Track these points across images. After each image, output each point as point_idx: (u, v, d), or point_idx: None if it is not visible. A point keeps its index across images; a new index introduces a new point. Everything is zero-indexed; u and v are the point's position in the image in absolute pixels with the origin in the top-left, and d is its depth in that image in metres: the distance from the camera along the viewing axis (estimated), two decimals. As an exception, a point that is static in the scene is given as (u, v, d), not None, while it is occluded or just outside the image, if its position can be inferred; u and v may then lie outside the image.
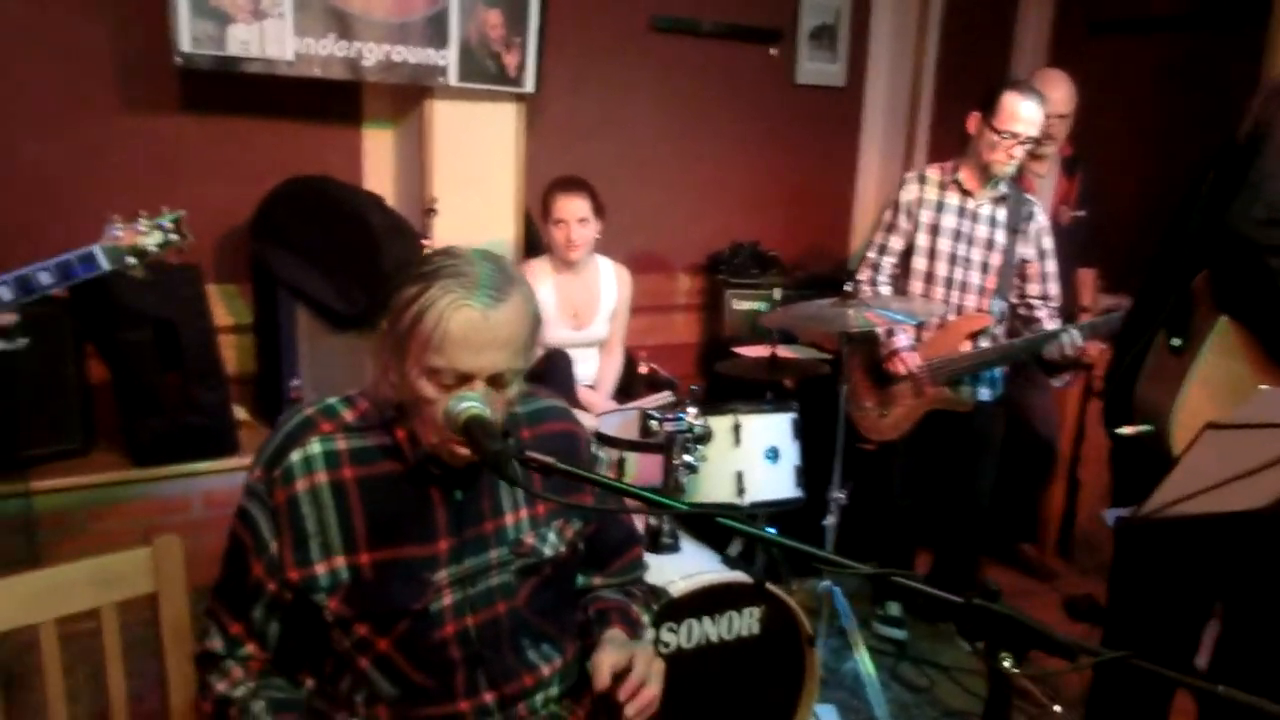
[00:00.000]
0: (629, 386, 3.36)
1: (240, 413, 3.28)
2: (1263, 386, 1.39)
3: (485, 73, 3.47)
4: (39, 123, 3.06)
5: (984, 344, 2.87)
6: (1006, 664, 1.07)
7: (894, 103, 4.58)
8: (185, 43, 2.98)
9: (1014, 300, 2.92)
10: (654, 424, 2.28)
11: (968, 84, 4.18)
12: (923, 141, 4.51)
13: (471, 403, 1.29)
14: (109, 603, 1.42)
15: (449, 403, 1.30)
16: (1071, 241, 3.21)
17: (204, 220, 3.26)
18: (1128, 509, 1.51)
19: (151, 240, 2.00)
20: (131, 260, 2.00)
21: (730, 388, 3.05)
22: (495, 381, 1.33)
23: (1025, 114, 2.69)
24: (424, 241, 3.29)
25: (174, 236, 2.05)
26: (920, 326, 2.93)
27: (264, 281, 3.26)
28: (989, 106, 2.74)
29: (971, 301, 2.88)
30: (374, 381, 1.42)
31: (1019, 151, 2.72)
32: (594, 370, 3.24)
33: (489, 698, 1.44)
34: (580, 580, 1.63)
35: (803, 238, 4.49)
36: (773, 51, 4.31)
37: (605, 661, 1.43)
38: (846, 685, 2.75)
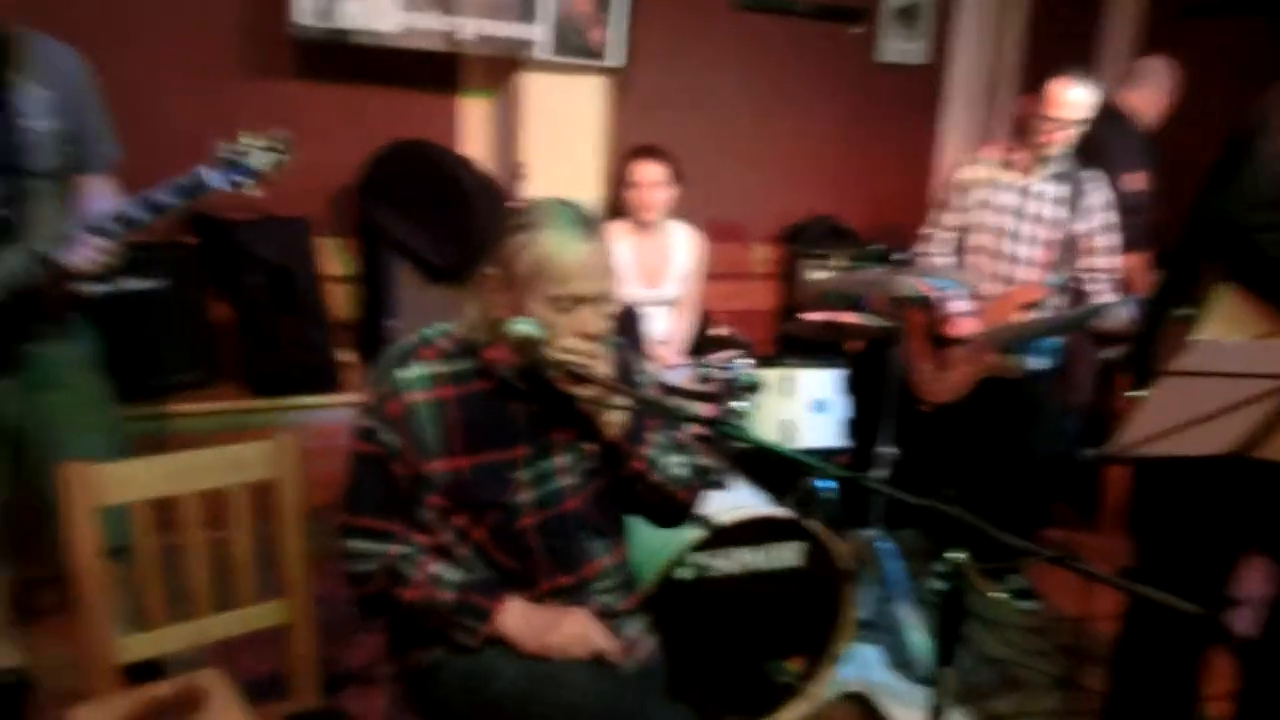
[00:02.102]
0: (704, 346, 3.56)
1: (344, 355, 3.60)
2: (1201, 337, 1.54)
3: (573, 47, 3.69)
4: (170, 87, 3.37)
5: (1039, 315, 2.99)
6: (958, 556, 1.27)
7: (976, 81, 4.65)
8: (301, 15, 3.28)
9: (1070, 273, 3.03)
10: (706, 373, 2.48)
11: (1053, 64, 4.24)
12: (1003, 120, 4.58)
13: (526, 325, 1.54)
14: (238, 483, 1.71)
15: (508, 323, 1.55)
16: (1126, 210, 3.27)
17: (316, 179, 3.60)
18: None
19: (259, 160, 1.99)
20: (241, 180, 1.98)
21: (798, 348, 3.24)
22: (601, 300, 1.61)
23: (1072, 98, 2.82)
24: (509, 203, 3.54)
25: (283, 155, 2.03)
26: (977, 298, 3.07)
27: (369, 236, 3.56)
28: (1039, 92, 2.88)
29: (1027, 275, 3.00)
30: (469, 318, 1.67)
31: (1065, 134, 2.85)
32: (664, 328, 3.46)
33: (562, 580, 1.70)
34: None
35: (879, 212, 4.61)
36: (855, 30, 4.42)
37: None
38: (894, 631, 2.92)
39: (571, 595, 1.73)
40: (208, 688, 1.45)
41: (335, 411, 3.33)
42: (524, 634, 1.63)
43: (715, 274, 4.29)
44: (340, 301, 3.71)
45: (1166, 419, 1.47)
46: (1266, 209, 1.73)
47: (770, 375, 2.59)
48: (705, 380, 2.55)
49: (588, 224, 1.63)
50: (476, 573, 1.67)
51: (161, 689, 1.47)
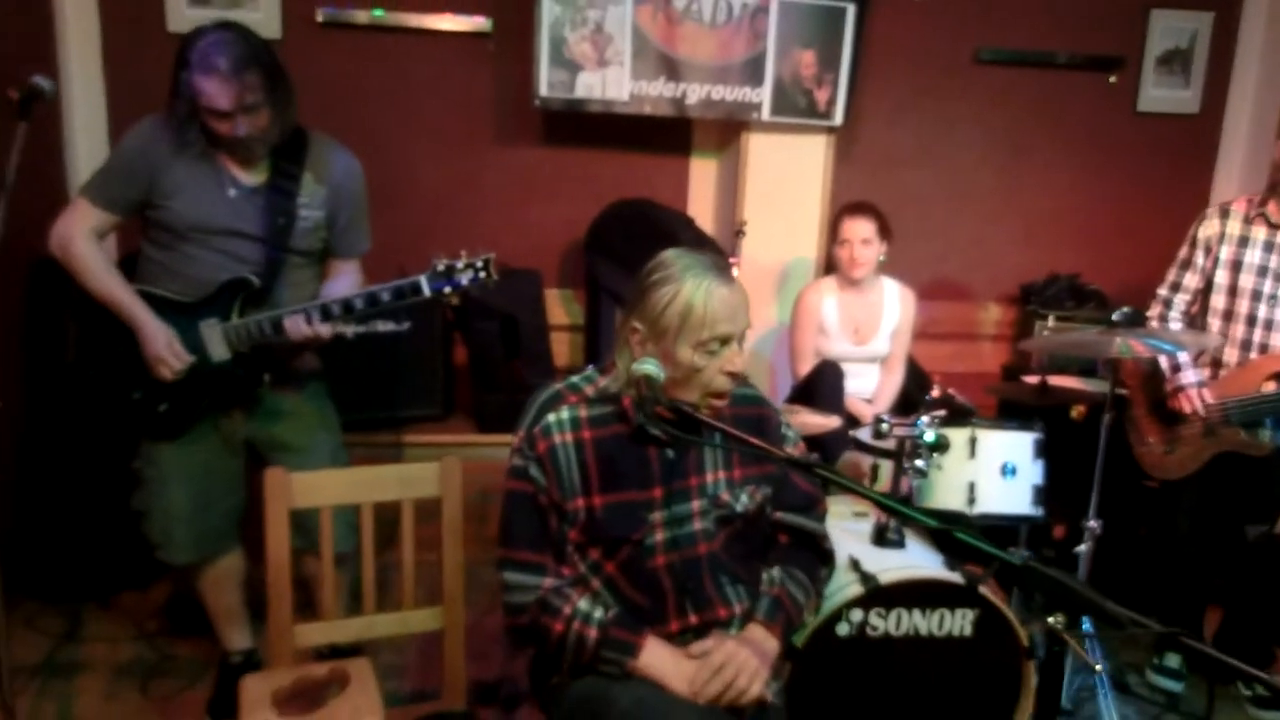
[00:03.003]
0: (920, 408, 3.46)
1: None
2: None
3: (796, 107, 3.78)
4: (436, 153, 3.84)
5: (1290, 385, 2.66)
6: (1055, 621, 1.19)
7: (1259, 130, 4.21)
8: (544, 88, 3.62)
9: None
10: (884, 428, 2.43)
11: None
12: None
13: (649, 365, 1.63)
14: (408, 498, 1.92)
15: (634, 364, 1.65)
16: None
17: (549, 233, 3.94)
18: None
19: (465, 276, 2.27)
20: (447, 290, 2.28)
21: (1018, 413, 3.07)
22: (741, 339, 1.74)
23: None
24: (730, 260, 3.64)
25: (483, 275, 2.28)
26: (1218, 364, 2.78)
27: (593, 287, 3.81)
28: None
29: (1278, 341, 2.68)
30: (611, 364, 1.79)
31: None
32: (873, 385, 3.40)
33: (694, 620, 1.76)
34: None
35: (1134, 272, 4.25)
36: (1112, 79, 4.17)
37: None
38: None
39: (699, 635, 1.77)
40: (355, 673, 1.64)
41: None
42: (671, 674, 1.68)
43: (942, 334, 4.18)
44: (566, 349, 3.98)
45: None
46: None
47: (956, 435, 2.49)
48: (881, 437, 2.50)
49: (722, 269, 1.72)
50: (610, 608, 1.75)
51: (319, 669, 1.68)
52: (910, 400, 3.38)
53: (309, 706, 1.57)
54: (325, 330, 2.30)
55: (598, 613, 1.72)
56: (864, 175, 4.05)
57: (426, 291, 2.27)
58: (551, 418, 1.76)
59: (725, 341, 1.71)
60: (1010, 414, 3.28)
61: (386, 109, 3.74)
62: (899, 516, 1.62)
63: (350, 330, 3.37)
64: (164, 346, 2.27)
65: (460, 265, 2.27)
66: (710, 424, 1.69)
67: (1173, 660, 2.92)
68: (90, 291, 2.31)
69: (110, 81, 3.56)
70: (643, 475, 1.76)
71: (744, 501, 1.82)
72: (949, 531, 1.25)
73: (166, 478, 2.44)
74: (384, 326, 3.48)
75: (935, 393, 3.56)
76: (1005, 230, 4.25)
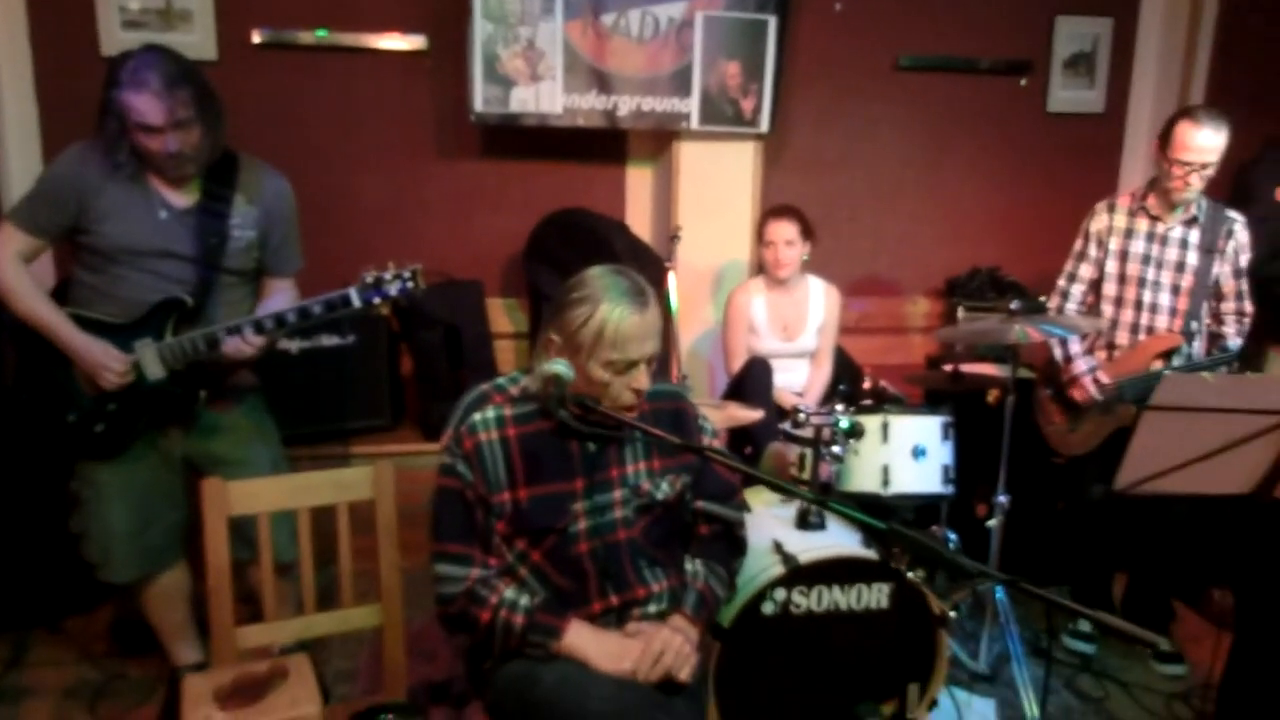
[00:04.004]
0: (853, 399, 3.62)
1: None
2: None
3: (723, 116, 3.93)
4: (377, 168, 3.92)
5: (1176, 363, 2.84)
6: (913, 574, 1.34)
7: (1158, 127, 4.42)
8: (479, 104, 3.73)
9: (1208, 319, 2.87)
10: (802, 418, 2.58)
11: (1245, 107, 3.99)
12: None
13: (558, 365, 1.76)
14: (343, 501, 2.03)
15: (544, 364, 1.78)
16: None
17: (491, 244, 4.05)
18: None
19: (393, 287, 2.37)
20: (376, 300, 2.38)
21: (942, 400, 3.24)
22: (650, 361, 1.84)
23: (1197, 142, 2.70)
24: (666, 264, 3.78)
25: (410, 284, 2.39)
26: (1112, 347, 2.97)
27: (535, 295, 3.93)
28: (1165, 136, 2.77)
29: (1163, 323, 2.88)
30: (536, 374, 1.90)
31: (1195, 179, 2.73)
32: (803, 379, 3.56)
33: (615, 600, 1.89)
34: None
35: (1050, 262, 4.45)
36: (1023, 82, 4.37)
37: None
38: (1010, 684, 2.83)
39: (620, 615, 1.90)
40: (294, 667, 1.75)
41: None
42: (594, 652, 1.82)
43: (873, 328, 4.36)
44: (512, 357, 4.10)
45: (1163, 457, 1.45)
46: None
47: (870, 422, 2.65)
48: (800, 425, 2.65)
49: (640, 294, 1.83)
50: (536, 593, 1.88)
51: (259, 666, 1.78)
52: (849, 395, 3.53)
53: (250, 700, 1.67)
54: (259, 342, 2.38)
55: (523, 600, 1.84)
56: (794, 179, 4.21)
57: (356, 303, 2.36)
58: (477, 417, 1.88)
59: (634, 365, 1.82)
60: (933, 401, 3.45)
61: (327, 127, 3.83)
62: (768, 485, 1.77)
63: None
64: (101, 354, 2.33)
65: (389, 276, 2.36)
66: (626, 421, 1.82)
67: (1085, 625, 3.10)
68: (19, 315, 2.36)
69: (43, 104, 3.59)
70: (565, 468, 1.89)
71: (664, 490, 1.95)
72: (825, 503, 1.39)
73: (104, 497, 2.48)
74: (328, 341, 3.60)
75: (867, 384, 3.74)
76: (929, 228, 4.44)
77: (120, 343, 2.37)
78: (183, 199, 2.40)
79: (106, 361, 2.33)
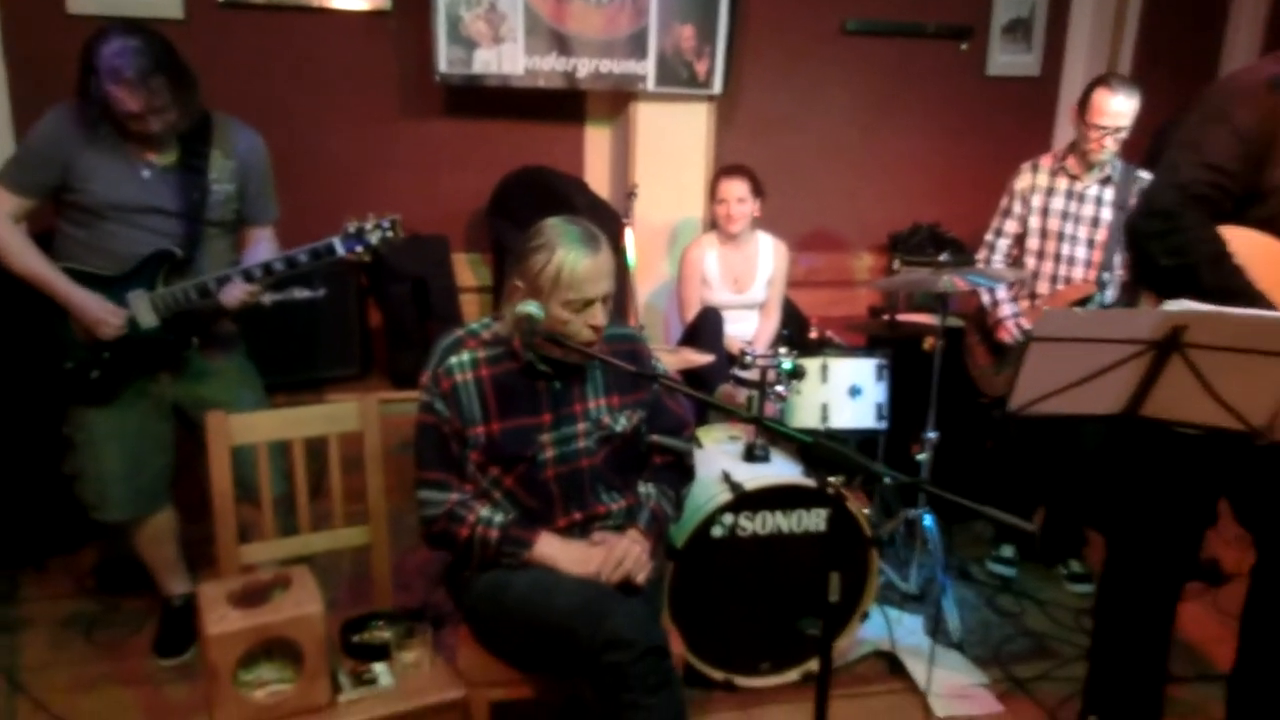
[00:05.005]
0: (793, 344, 3.87)
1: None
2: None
3: (678, 78, 4.12)
4: (344, 128, 4.05)
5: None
6: (834, 481, 1.58)
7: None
8: (443, 65, 3.88)
9: (1121, 270, 3.15)
10: (748, 360, 2.82)
11: (1168, 72, 4.27)
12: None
13: (529, 306, 1.97)
14: (333, 432, 2.23)
15: (517, 306, 1.99)
16: None
17: (456, 201, 4.21)
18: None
19: (374, 236, 2.53)
20: (359, 249, 2.53)
21: (882, 346, 3.51)
22: (605, 300, 2.06)
23: (1112, 108, 2.97)
24: (624, 220, 3.98)
25: (390, 233, 2.54)
26: (1034, 296, 3.24)
27: (498, 250, 4.11)
28: (1083, 102, 3.04)
29: (1079, 274, 3.16)
30: (500, 314, 2.13)
31: (1110, 141, 3.00)
32: (753, 328, 3.80)
33: (578, 517, 2.14)
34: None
35: (987, 219, 4.71)
36: (963, 47, 4.61)
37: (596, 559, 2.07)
38: (936, 603, 3.12)
39: (582, 529, 2.15)
40: (296, 576, 1.95)
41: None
42: (561, 558, 2.05)
43: (821, 281, 4.60)
44: (477, 310, 4.28)
45: (1049, 381, 1.70)
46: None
47: (810, 364, 2.89)
48: (747, 368, 2.88)
49: (593, 239, 2.06)
50: (508, 512, 2.10)
51: (265, 575, 1.99)
52: (791, 341, 3.78)
53: (259, 602, 1.89)
54: (253, 288, 2.54)
55: (498, 517, 2.07)
56: (745, 139, 4.42)
57: (340, 251, 2.53)
58: (453, 360, 2.09)
59: (590, 303, 2.04)
60: (875, 347, 3.72)
61: (295, 87, 3.94)
62: (712, 408, 2.02)
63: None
64: (98, 308, 2.48)
65: (369, 226, 2.53)
66: (590, 354, 2.04)
67: (1007, 550, 3.41)
68: (14, 272, 2.49)
69: (10, 62, 3.62)
70: (534, 404, 2.11)
71: (622, 423, 2.19)
72: (759, 420, 1.63)
73: (99, 440, 2.63)
74: (300, 294, 3.76)
75: (813, 334, 4.00)
76: (874, 185, 4.68)
77: (114, 294, 2.52)
78: (163, 158, 2.54)
79: (104, 315, 2.48)
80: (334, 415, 2.24)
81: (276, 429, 2.19)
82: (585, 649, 1.86)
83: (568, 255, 2.00)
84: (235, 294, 2.53)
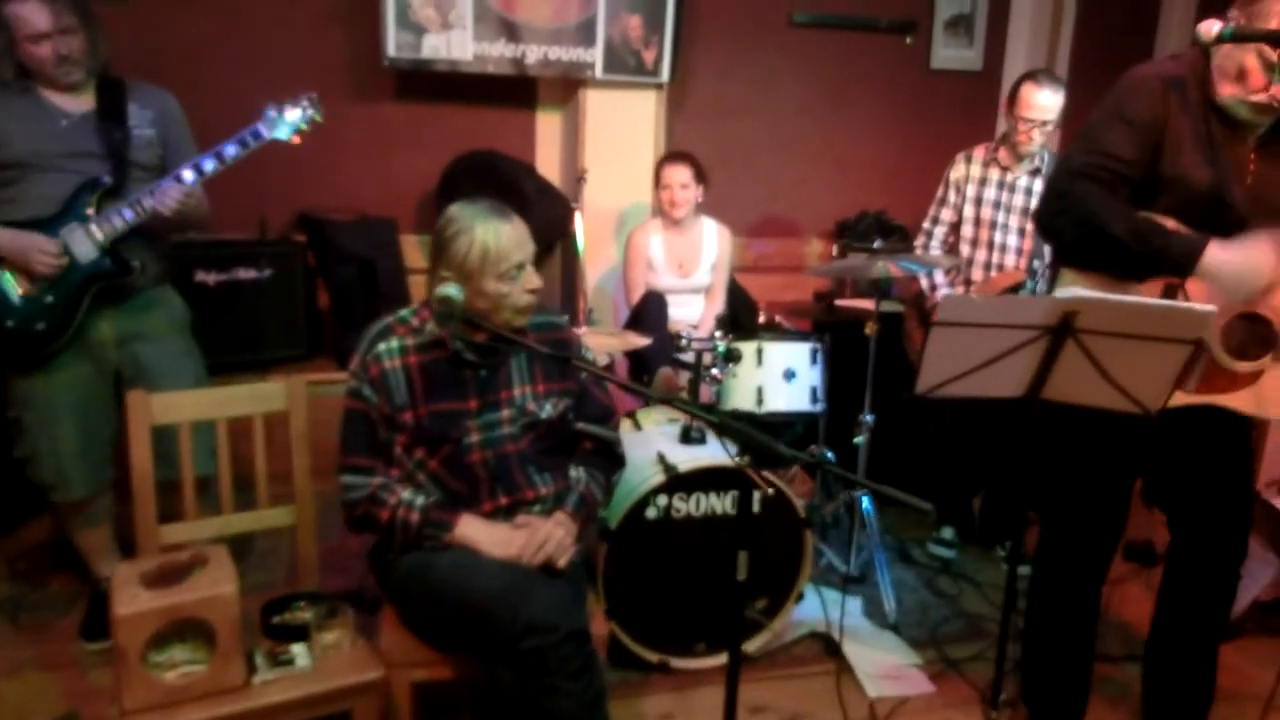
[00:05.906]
0: (730, 327, 3.90)
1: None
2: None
3: (626, 66, 4.13)
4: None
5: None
6: (742, 460, 1.60)
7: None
8: (391, 49, 3.87)
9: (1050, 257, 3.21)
10: (684, 342, 2.84)
11: (1104, 68, 4.31)
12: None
13: (449, 289, 1.98)
14: (258, 412, 2.23)
15: (439, 287, 1.99)
16: None
17: (405, 183, 4.20)
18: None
19: (295, 115, 2.64)
20: (285, 134, 2.63)
21: (825, 330, 3.54)
22: (532, 261, 2.09)
23: (1039, 101, 3.04)
24: (573, 205, 3.98)
25: (310, 111, 2.65)
26: (969, 283, 3.30)
27: (446, 235, 4.10)
28: (1012, 96, 3.10)
29: (1011, 261, 3.22)
30: (426, 306, 2.13)
31: (1037, 134, 3.06)
32: (698, 313, 3.82)
33: (504, 501, 2.14)
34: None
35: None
36: (908, 40, 4.66)
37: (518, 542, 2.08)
38: (876, 585, 3.17)
39: (508, 513, 2.15)
40: (212, 555, 1.95)
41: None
42: (483, 540, 2.06)
43: (771, 266, 4.64)
44: (423, 290, 4.25)
45: (952, 366, 1.74)
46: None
47: (746, 347, 2.92)
48: (683, 350, 2.91)
49: (501, 210, 2.08)
50: (432, 495, 2.11)
51: (181, 555, 1.98)
52: (739, 324, 3.81)
53: (173, 582, 1.88)
54: (186, 189, 2.53)
55: (419, 500, 2.08)
56: (695, 127, 4.45)
57: (266, 135, 2.58)
58: (382, 346, 2.10)
59: (520, 267, 2.06)
60: (820, 332, 3.76)
61: (244, 70, 3.90)
62: (622, 388, 2.04)
63: (213, 279, 3.62)
64: (28, 242, 2.43)
65: (289, 106, 2.60)
66: (517, 341, 2.05)
67: (947, 533, 3.47)
68: None
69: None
70: (460, 391, 2.13)
71: (548, 410, 2.20)
72: (671, 400, 1.65)
73: (50, 418, 2.59)
74: (246, 274, 3.74)
75: (762, 318, 4.03)
76: (823, 174, 4.73)
77: (48, 233, 2.47)
78: (78, 105, 2.54)
79: (36, 246, 2.43)
80: (260, 395, 2.24)
81: (200, 408, 2.18)
82: (504, 633, 1.88)
83: (486, 230, 2.03)
84: (171, 196, 2.50)
